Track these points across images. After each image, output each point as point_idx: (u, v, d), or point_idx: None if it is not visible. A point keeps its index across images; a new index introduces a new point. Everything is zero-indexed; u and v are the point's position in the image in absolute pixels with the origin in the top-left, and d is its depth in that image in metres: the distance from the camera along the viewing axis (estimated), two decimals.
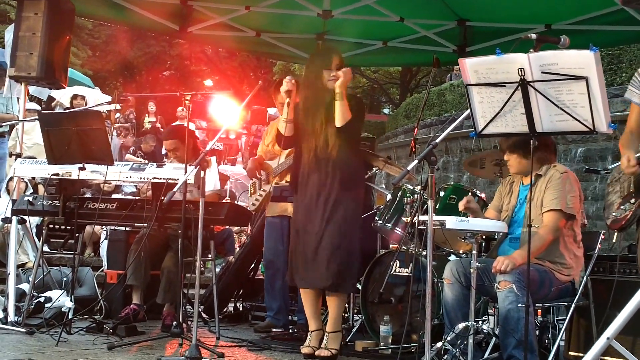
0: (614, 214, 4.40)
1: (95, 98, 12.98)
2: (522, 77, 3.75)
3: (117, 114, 14.06)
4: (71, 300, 5.59)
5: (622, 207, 4.33)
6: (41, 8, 6.25)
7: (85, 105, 12.08)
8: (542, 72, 3.71)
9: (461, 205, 4.91)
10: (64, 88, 7.77)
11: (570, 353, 5.20)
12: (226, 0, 7.73)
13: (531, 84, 3.75)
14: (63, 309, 5.67)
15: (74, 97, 12.68)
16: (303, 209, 5.21)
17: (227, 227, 9.22)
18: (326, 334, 5.16)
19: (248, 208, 6.72)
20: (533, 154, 4.82)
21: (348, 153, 5.14)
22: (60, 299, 6.03)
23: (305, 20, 7.85)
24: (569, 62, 3.64)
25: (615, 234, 4.52)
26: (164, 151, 10.77)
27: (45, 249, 8.86)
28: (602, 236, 5.05)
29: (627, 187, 4.33)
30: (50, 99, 13.19)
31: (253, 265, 7.49)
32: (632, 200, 4.23)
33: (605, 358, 4.75)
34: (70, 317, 5.56)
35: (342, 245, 5.05)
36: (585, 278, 4.93)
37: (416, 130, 6.26)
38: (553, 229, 4.66)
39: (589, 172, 6.37)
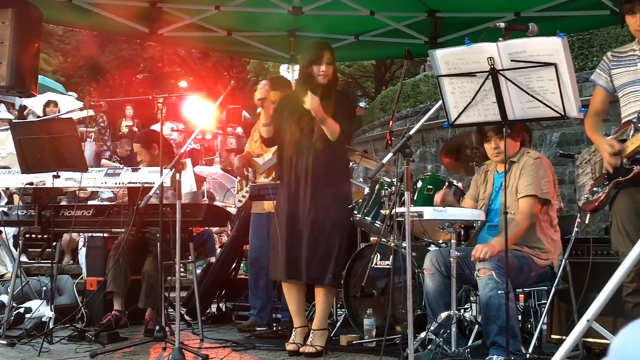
0: (586, 195, 4.43)
1: (69, 105, 12.89)
2: (491, 66, 3.77)
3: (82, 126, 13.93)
4: (51, 310, 5.53)
5: (594, 188, 4.37)
6: (8, 16, 6.17)
7: (59, 112, 12.00)
8: (512, 60, 3.73)
9: (437, 201, 4.92)
10: (35, 96, 7.71)
11: (553, 336, 5.24)
12: (196, 0, 7.71)
13: (501, 72, 3.77)
14: (44, 319, 5.62)
15: (47, 104, 12.59)
16: (290, 203, 5.20)
17: (207, 228, 9.21)
18: (312, 331, 5.16)
19: (235, 206, 6.69)
20: (517, 136, 4.88)
21: (336, 149, 5.17)
22: (41, 309, 5.98)
23: (276, 17, 7.85)
24: (538, 49, 3.66)
25: (588, 215, 4.56)
26: None
27: (23, 258, 8.81)
28: (578, 219, 5.08)
29: (599, 169, 4.37)
30: (23, 107, 13.11)
31: (234, 264, 7.47)
32: (606, 182, 4.27)
33: (587, 339, 4.80)
34: (51, 326, 5.51)
35: (328, 238, 5.06)
36: (563, 261, 4.96)
37: (391, 123, 6.26)
38: (529, 214, 4.70)
39: (563, 156, 6.41)
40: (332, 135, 5.08)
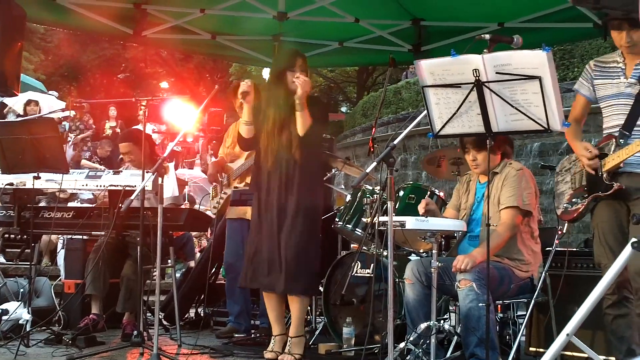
0: (564, 204, 4.46)
1: (50, 104, 12.81)
2: (477, 77, 3.77)
3: (66, 123, 13.89)
4: (28, 312, 5.49)
5: (574, 199, 4.40)
6: None
7: (39, 111, 11.92)
8: (497, 73, 3.73)
9: (421, 209, 4.91)
10: (17, 96, 7.65)
11: (531, 349, 5.25)
12: (181, 3, 7.67)
13: (486, 84, 3.78)
14: (20, 321, 5.56)
15: (28, 103, 12.50)
16: (262, 210, 5.19)
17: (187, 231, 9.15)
18: (289, 338, 5.14)
19: (210, 211, 6.65)
20: (498, 150, 4.90)
21: (308, 155, 5.14)
22: (18, 311, 5.91)
23: (261, 22, 7.83)
24: (523, 62, 3.67)
25: (566, 224, 4.60)
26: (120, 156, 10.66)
27: (1, 259, 8.75)
28: (559, 232, 5.11)
29: (578, 180, 4.40)
30: (3, 105, 13.00)
31: (214, 269, 7.44)
32: (585, 195, 4.30)
33: (565, 352, 4.81)
34: (28, 329, 5.46)
35: (300, 248, 5.04)
36: (543, 274, 4.98)
37: (374, 130, 6.30)
38: (510, 226, 4.71)
39: (544, 167, 6.46)
40: (302, 128, 5.05)
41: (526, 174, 4.87)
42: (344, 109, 33.62)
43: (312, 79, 5.37)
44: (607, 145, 4.26)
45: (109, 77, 31.03)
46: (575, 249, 5.37)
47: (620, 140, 4.17)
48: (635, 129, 4.16)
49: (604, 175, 4.19)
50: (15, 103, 12.77)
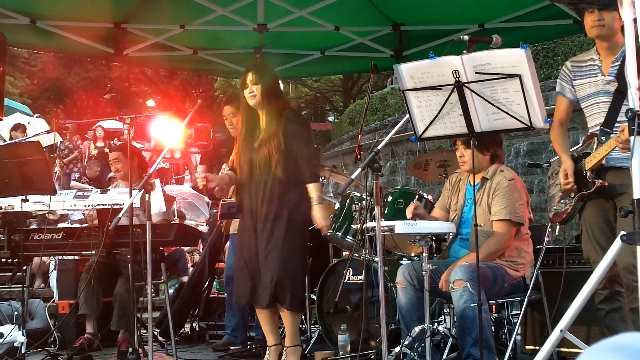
0: (555, 207, 4.47)
1: (37, 128, 12.79)
2: (456, 79, 3.78)
3: (60, 141, 13.88)
4: (23, 335, 5.48)
5: (562, 201, 4.40)
6: None
7: (26, 135, 11.91)
8: (476, 73, 3.74)
9: (409, 213, 4.91)
10: (1, 120, 7.65)
11: (527, 347, 5.26)
12: (160, 20, 7.68)
13: (466, 85, 3.79)
14: (15, 344, 5.56)
15: (15, 128, 12.50)
16: (246, 226, 5.17)
17: (179, 247, 9.14)
18: (285, 348, 5.13)
19: (201, 226, 6.64)
20: (486, 150, 4.91)
21: (294, 170, 5.09)
22: (12, 334, 5.89)
23: (241, 35, 7.85)
24: (502, 61, 3.68)
25: (558, 226, 4.60)
26: (110, 174, 10.66)
27: None
28: (549, 229, 5.11)
29: None
30: None
31: (207, 283, 7.42)
32: (572, 194, 4.30)
33: (562, 349, 4.82)
34: (23, 351, 5.46)
35: (284, 262, 5.00)
36: (535, 272, 4.99)
37: (360, 137, 6.29)
38: (504, 239, 4.74)
39: (531, 166, 6.46)
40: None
41: (518, 184, 4.87)
42: (331, 118, 33.63)
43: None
44: (589, 145, 4.27)
45: (95, 98, 31.04)
46: (567, 246, 5.38)
47: (602, 138, 4.16)
48: (615, 125, 4.16)
49: (588, 174, 4.20)
50: (2, 128, 12.75)
